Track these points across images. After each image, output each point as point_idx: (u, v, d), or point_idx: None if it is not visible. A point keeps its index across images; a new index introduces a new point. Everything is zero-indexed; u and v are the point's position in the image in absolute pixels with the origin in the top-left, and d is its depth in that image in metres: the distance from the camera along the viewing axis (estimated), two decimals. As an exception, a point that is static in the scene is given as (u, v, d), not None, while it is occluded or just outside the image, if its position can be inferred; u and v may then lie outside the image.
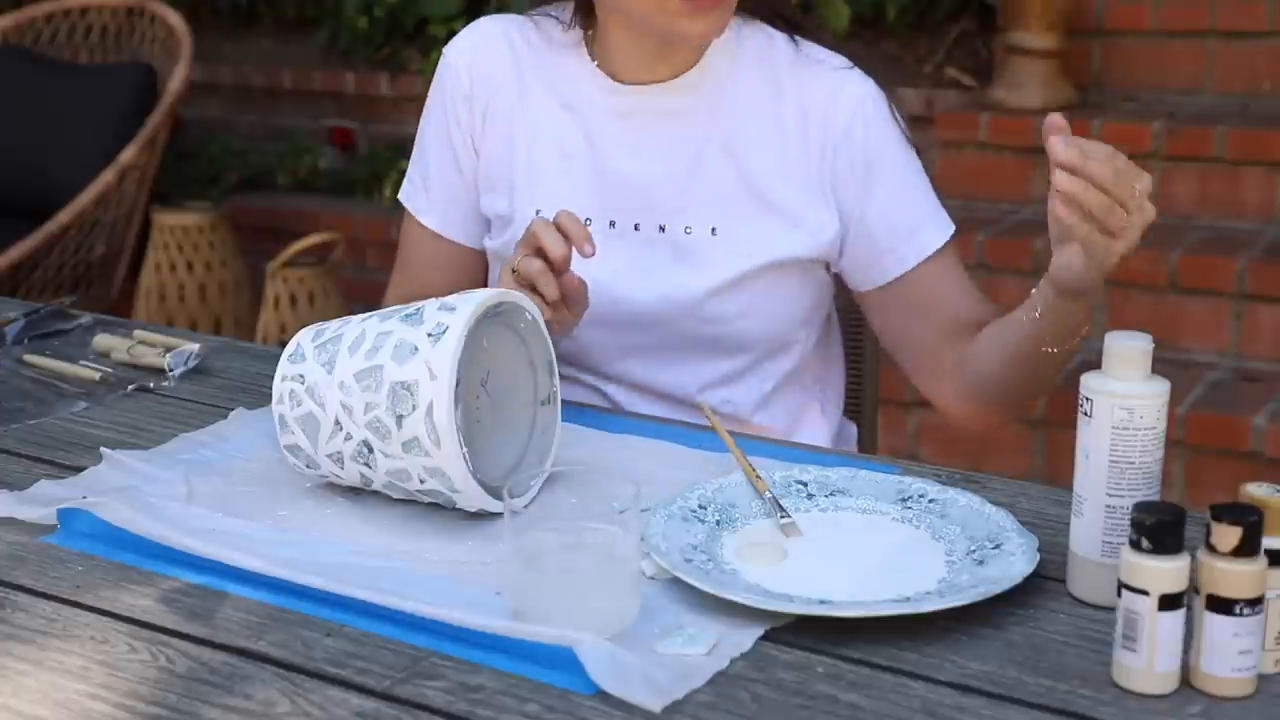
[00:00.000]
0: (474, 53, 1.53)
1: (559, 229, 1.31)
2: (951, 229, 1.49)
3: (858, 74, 1.48)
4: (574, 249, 1.30)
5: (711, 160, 1.46)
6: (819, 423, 1.59)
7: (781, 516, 1.16)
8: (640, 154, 1.47)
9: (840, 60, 1.49)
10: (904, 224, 1.46)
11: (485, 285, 1.57)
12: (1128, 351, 1.02)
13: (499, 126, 1.52)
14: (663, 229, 1.46)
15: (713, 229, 1.46)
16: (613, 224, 1.47)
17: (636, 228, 1.47)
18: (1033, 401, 1.51)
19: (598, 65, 1.48)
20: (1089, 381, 1.04)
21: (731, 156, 1.46)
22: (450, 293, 1.26)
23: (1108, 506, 1.02)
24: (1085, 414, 1.03)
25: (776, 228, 1.46)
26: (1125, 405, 1.01)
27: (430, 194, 1.57)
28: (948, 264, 1.48)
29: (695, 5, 1.36)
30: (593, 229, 1.43)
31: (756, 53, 1.48)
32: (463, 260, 1.58)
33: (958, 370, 1.45)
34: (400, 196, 1.61)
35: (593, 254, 1.30)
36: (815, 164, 1.46)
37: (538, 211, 1.46)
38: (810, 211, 1.46)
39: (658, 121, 1.47)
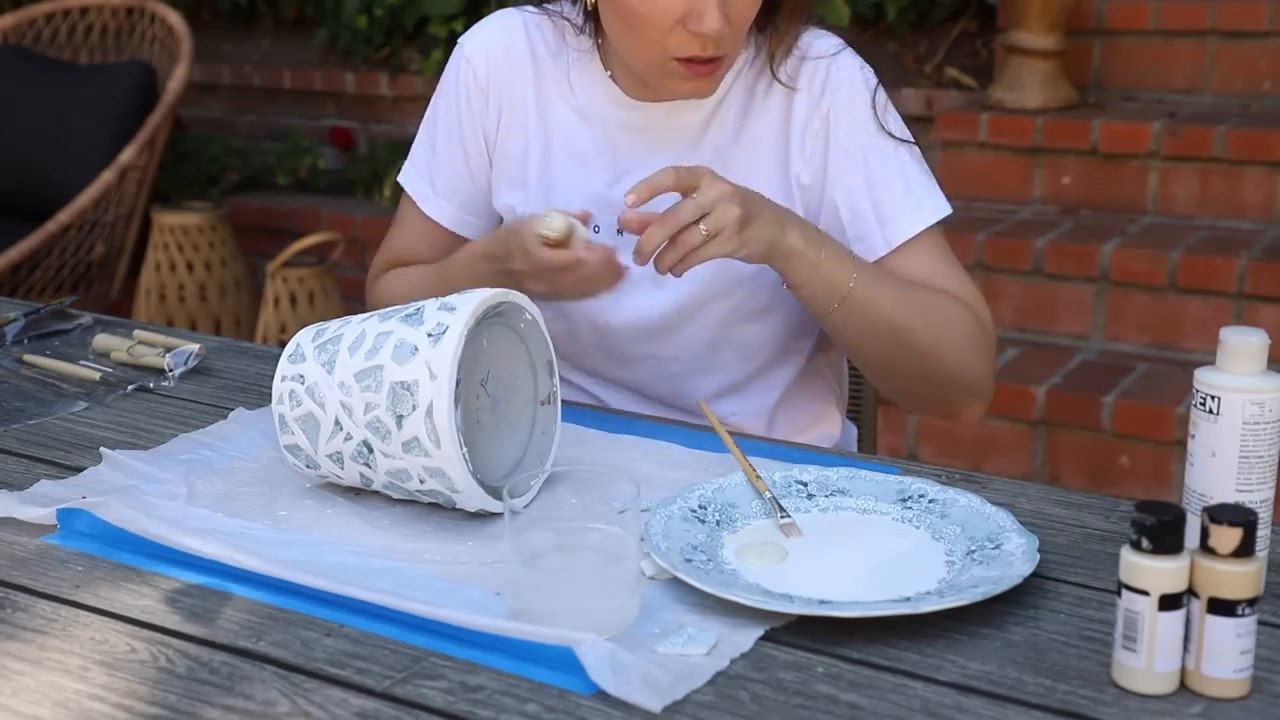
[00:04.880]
0: (492, 47, 1.52)
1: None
2: (932, 218, 1.44)
3: (844, 61, 1.46)
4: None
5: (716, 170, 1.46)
6: (824, 435, 1.60)
7: (782, 516, 1.16)
8: (651, 167, 1.45)
9: (830, 44, 1.47)
10: (873, 213, 1.43)
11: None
12: (1248, 347, 1.02)
13: (514, 123, 1.52)
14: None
15: None
16: (621, 232, 1.46)
17: None
18: (907, 385, 1.47)
19: (611, 76, 1.48)
20: (1211, 379, 1.03)
21: (731, 166, 1.45)
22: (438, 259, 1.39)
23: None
24: (1210, 412, 1.03)
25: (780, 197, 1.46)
26: (1256, 400, 1.02)
27: (435, 187, 1.57)
28: (919, 253, 1.43)
29: (693, 70, 1.37)
30: (601, 236, 1.44)
31: (757, 61, 1.47)
32: (458, 245, 1.56)
33: None
34: (401, 180, 1.60)
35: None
36: (802, 159, 1.46)
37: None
38: (802, 166, 1.46)
39: (668, 136, 1.47)
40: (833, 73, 1.45)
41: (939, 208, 1.45)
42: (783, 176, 1.46)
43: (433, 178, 1.57)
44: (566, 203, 1.47)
